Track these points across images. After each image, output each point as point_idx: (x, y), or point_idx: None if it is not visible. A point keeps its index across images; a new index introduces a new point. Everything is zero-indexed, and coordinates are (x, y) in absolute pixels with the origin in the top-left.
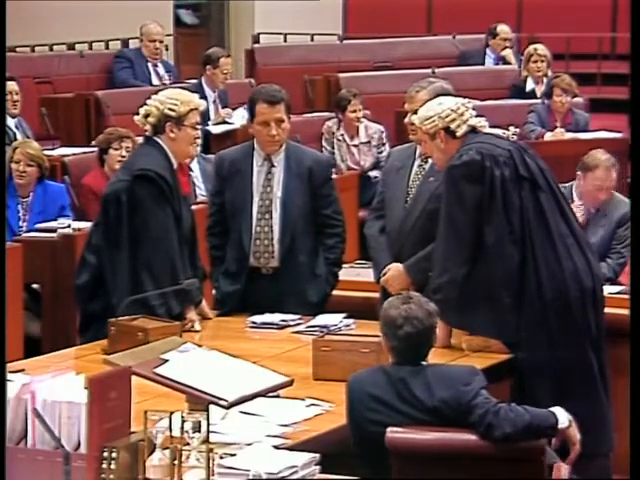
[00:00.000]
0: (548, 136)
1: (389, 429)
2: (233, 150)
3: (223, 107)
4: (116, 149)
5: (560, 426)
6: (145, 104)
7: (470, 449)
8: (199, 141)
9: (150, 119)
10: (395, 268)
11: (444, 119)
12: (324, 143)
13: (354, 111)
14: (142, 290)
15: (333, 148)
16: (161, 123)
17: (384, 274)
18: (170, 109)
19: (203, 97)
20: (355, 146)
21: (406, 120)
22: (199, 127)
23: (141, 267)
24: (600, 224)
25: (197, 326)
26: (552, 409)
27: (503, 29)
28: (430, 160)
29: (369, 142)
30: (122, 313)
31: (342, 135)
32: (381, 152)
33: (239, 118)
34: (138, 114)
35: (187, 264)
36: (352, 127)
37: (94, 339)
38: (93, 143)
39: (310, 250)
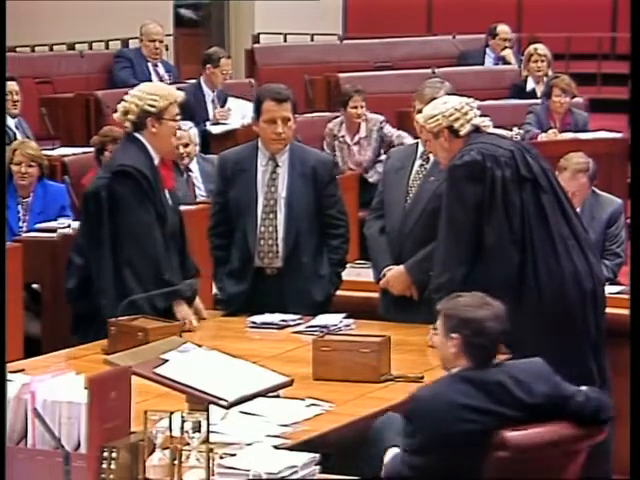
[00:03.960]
0: (542, 137)
1: (508, 433)
2: (237, 150)
3: (221, 107)
4: (111, 152)
5: None
6: (123, 100)
7: (579, 437)
8: (179, 134)
9: (130, 116)
10: (396, 269)
11: (448, 118)
12: (325, 146)
13: (355, 107)
14: (126, 287)
15: (334, 151)
16: (141, 119)
17: (384, 275)
18: (150, 105)
19: (202, 96)
20: (356, 144)
21: (416, 118)
22: (179, 119)
23: (123, 264)
24: (589, 226)
25: (194, 322)
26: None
27: (503, 29)
28: (431, 159)
29: (367, 136)
30: (110, 314)
31: (343, 137)
32: (384, 137)
33: (238, 118)
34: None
35: (173, 259)
36: (353, 124)
37: (84, 339)
38: (90, 143)
39: (314, 250)
